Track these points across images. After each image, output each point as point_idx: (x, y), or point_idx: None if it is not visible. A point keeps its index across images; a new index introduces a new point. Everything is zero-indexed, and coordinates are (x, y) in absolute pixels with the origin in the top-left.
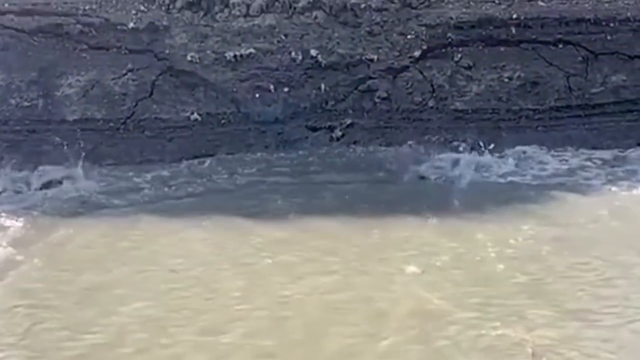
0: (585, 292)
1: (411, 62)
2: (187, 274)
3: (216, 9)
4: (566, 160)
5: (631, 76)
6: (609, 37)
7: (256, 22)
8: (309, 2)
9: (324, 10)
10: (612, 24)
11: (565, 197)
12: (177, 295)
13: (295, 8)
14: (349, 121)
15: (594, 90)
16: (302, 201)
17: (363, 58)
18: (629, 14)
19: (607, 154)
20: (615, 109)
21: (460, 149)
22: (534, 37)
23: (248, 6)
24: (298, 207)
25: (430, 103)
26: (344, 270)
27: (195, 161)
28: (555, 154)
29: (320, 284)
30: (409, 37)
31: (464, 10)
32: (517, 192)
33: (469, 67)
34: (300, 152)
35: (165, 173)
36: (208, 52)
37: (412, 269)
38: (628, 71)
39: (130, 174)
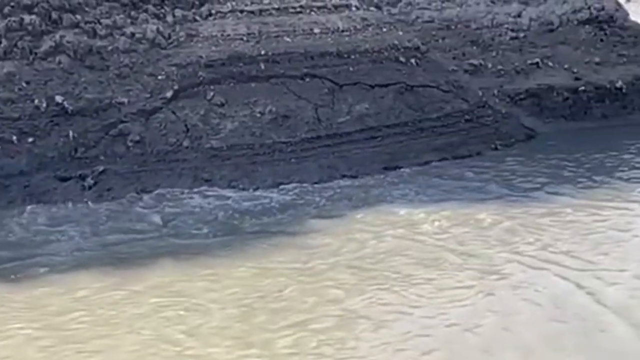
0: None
1: (163, 103)
2: None
3: None
4: (325, 189)
5: (373, 104)
6: (351, 69)
7: None
8: (51, 47)
9: (68, 55)
10: (353, 56)
11: (326, 226)
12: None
13: (36, 53)
14: (101, 168)
15: (340, 120)
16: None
17: (113, 102)
18: (367, 46)
19: (357, 181)
20: (361, 137)
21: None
22: (282, 72)
23: None
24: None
25: (185, 143)
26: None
27: None
28: (315, 184)
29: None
30: (159, 77)
31: (213, 48)
32: (280, 225)
33: (222, 105)
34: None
35: None
36: None
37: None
38: (370, 100)
39: None
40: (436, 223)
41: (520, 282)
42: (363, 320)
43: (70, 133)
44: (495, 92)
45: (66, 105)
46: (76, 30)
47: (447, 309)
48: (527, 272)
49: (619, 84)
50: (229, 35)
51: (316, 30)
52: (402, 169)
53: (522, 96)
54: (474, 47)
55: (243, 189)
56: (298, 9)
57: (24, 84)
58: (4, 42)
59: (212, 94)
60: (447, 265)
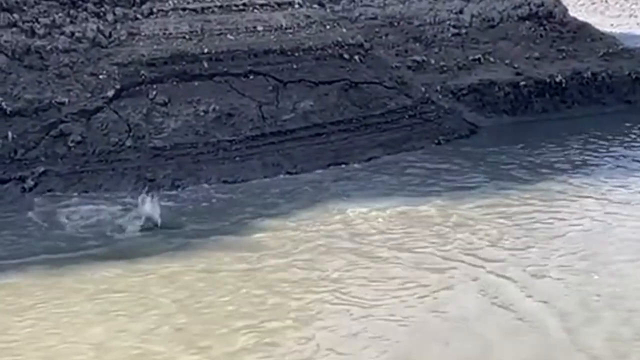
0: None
1: (105, 102)
2: None
3: None
4: (271, 187)
5: (318, 101)
6: (295, 66)
7: None
8: None
9: (6, 54)
10: (297, 54)
11: (272, 225)
12: None
13: None
14: (41, 169)
15: (285, 117)
16: None
17: (53, 102)
18: (311, 44)
19: (302, 178)
20: (306, 134)
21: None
22: (225, 70)
23: None
24: None
25: (128, 143)
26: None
27: None
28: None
29: None
30: (100, 77)
31: (155, 47)
32: (226, 225)
33: (165, 104)
34: None
35: None
36: None
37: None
38: (315, 97)
39: None
40: (380, 219)
41: (458, 279)
42: (313, 319)
43: (9, 134)
44: (438, 87)
45: (4, 106)
46: (14, 29)
47: (395, 306)
48: (462, 267)
49: (558, 78)
50: (171, 33)
51: (259, 28)
52: (347, 165)
53: (464, 92)
54: (417, 44)
55: (187, 189)
56: (241, 7)
57: None
58: None
59: (154, 92)
60: (393, 262)
